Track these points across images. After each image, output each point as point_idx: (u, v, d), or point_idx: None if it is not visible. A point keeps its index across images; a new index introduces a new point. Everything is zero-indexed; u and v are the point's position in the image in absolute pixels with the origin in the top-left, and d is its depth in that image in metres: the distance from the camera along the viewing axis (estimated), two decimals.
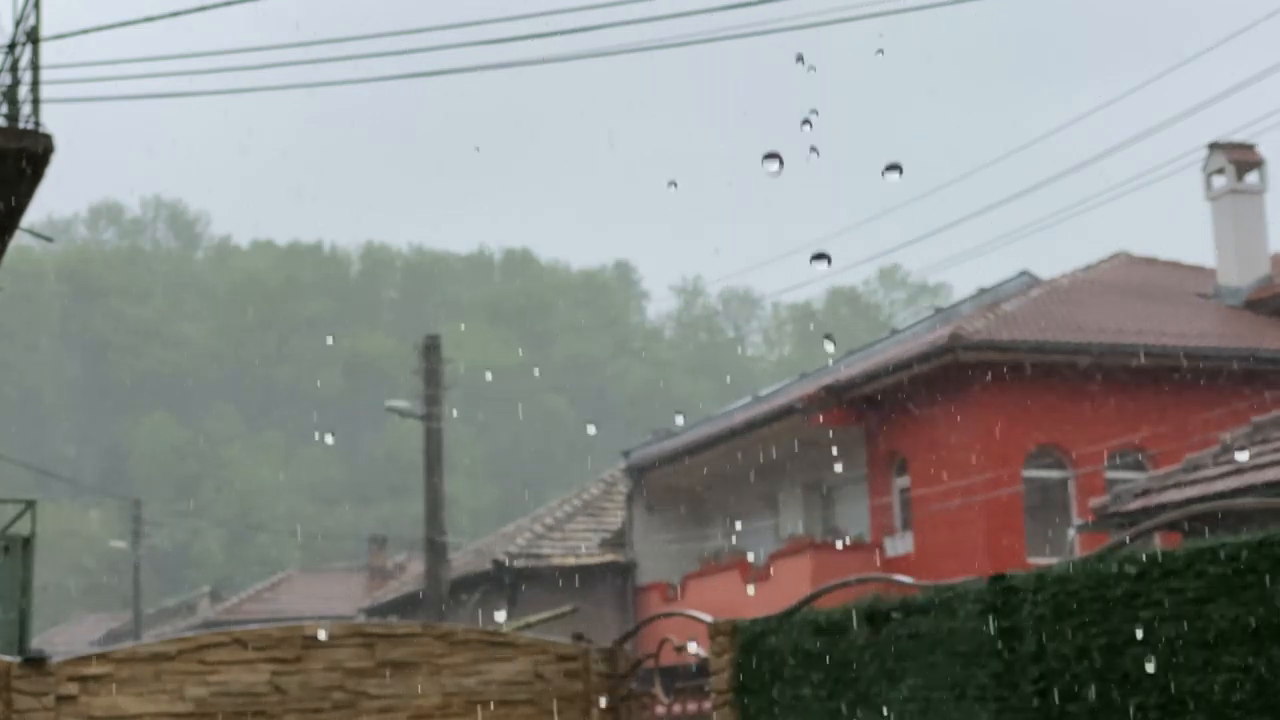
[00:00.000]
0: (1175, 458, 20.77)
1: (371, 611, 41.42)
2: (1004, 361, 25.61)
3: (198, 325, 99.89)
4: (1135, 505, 18.55)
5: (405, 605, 37.70)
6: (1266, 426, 18.90)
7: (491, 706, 11.72)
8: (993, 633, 8.83)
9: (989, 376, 25.49)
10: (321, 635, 11.30)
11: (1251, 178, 29.50)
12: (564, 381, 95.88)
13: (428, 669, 11.59)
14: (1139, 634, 7.93)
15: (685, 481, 33.63)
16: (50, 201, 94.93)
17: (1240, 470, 17.45)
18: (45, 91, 14.01)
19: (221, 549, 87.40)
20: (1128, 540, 8.57)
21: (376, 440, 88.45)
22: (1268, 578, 7.33)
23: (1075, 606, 8.33)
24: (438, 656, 11.66)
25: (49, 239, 37.01)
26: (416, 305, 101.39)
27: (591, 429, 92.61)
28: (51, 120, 13.78)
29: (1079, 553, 22.89)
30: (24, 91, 13.96)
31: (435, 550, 30.34)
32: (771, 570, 28.84)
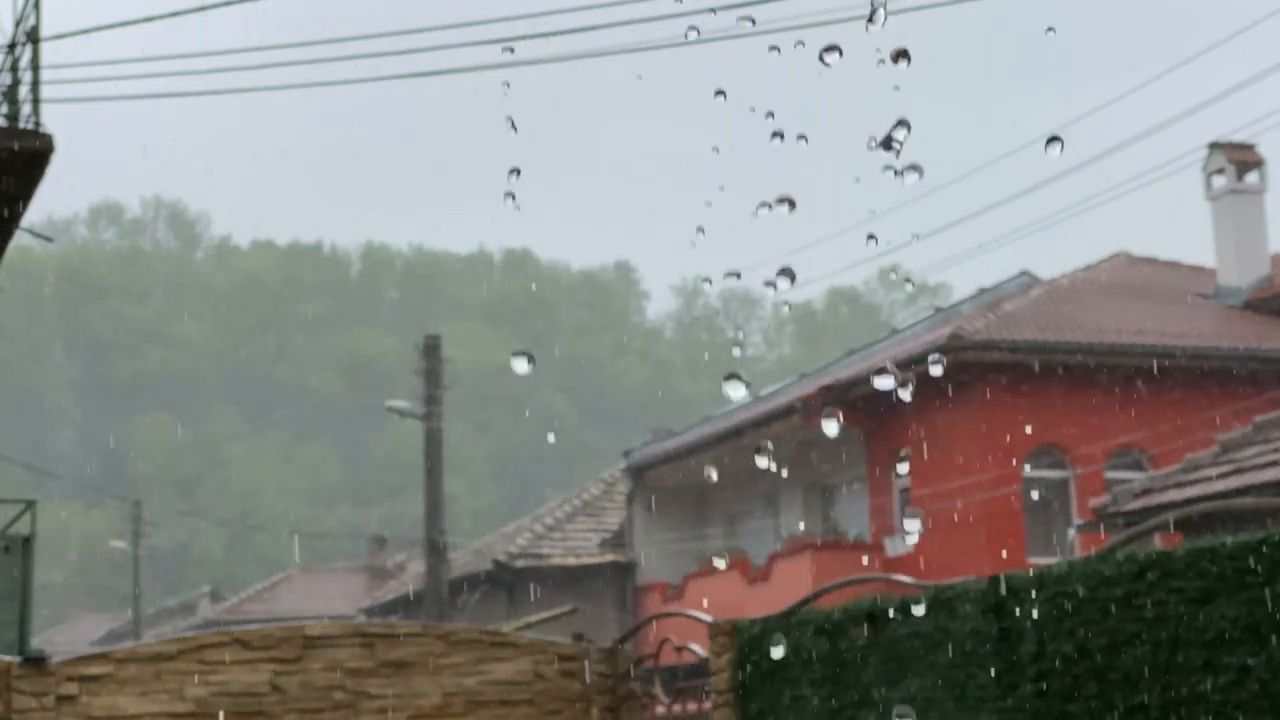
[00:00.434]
0: (1175, 458, 20.76)
1: (371, 611, 41.42)
2: (1004, 361, 25.61)
3: (198, 325, 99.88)
4: (1135, 505, 18.54)
5: (405, 605, 37.70)
6: (1266, 426, 18.90)
7: (491, 706, 11.72)
8: (993, 633, 8.83)
9: (989, 376, 25.49)
10: (320, 624, 11.31)
11: (1251, 178, 29.50)
12: (564, 381, 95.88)
13: (428, 669, 11.59)
14: (1139, 634, 7.93)
15: (685, 481, 33.62)
16: (50, 201, 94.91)
17: (1240, 470, 17.44)
18: (45, 91, 14.02)
19: (221, 549, 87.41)
20: (1128, 540, 8.57)
21: (376, 440, 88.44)
22: (1268, 578, 7.33)
23: (1075, 606, 8.33)
24: (438, 656, 11.66)
25: (49, 239, 37.01)
26: (416, 305, 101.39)
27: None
28: (51, 120, 13.80)
29: (1079, 553, 22.88)
30: (24, 91, 13.97)
31: (435, 550, 30.34)
32: (771, 570, 28.85)
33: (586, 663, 12.10)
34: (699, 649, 11.66)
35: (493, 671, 11.79)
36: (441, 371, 31.10)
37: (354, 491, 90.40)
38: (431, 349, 31.27)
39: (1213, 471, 18.07)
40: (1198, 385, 25.67)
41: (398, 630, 11.83)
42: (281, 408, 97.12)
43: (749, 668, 10.95)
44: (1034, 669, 8.55)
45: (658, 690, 12.86)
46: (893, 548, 27.88)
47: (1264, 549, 7.38)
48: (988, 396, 25.54)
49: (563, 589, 31.51)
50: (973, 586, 9.09)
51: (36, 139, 13.68)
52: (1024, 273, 31.94)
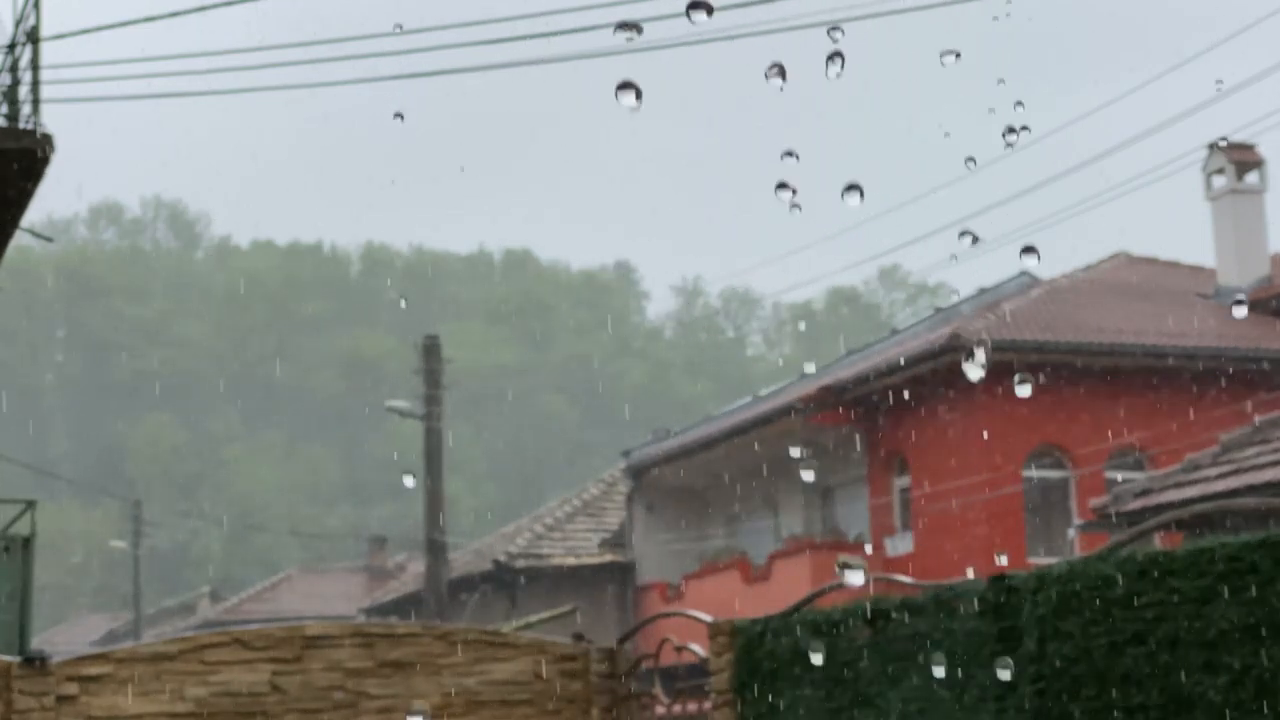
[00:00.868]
0: (1175, 458, 20.76)
1: (371, 611, 41.42)
2: (1004, 361, 25.61)
3: (198, 325, 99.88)
4: (1135, 505, 18.54)
5: (405, 605, 37.71)
6: (1267, 426, 18.90)
7: (491, 706, 11.72)
8: (993, 633, 8.83)
9: (989, 376, 25.44)
10: (320, 624, 11.31)
11: (1251, 178, 29.50)
12: (564, 381, 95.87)
13: (428, 669, 11.59)
14: (1139, 634, 7.93)
15: (685, 481, 33.63)
16: (50, 201, 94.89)
17: (1240, 470, 17.45)
18: (45, 91, 14.02)
19: (221, 549, 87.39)
20: (1128, 540, 8.57)
21: (376, 440, 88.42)
22: (1268, 578, 7.33)
23: (1075, 606, 8.33)
24: (438, 656, 11.66)
25: (49, 239, 37.03)
26: (416, 305, 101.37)
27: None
28: (51, 120, 13.78)
29: (1079, 553, 22.89)
30: (24, 91, 13.96)
31: (435, 550, 30.34)
32: (771, 570, 28.86)
33: (586, 663, 12.10)
34: (699, 649, 11.66)
35: (493, 671, 11.79)
36: (441, 371, 31.11)
37: (354, 491, 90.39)
38: (431, 349, 31.28)
39: (1213, 471, 18.07)
40: (1198, 385, 25.67)
41: (398, 630, 11.83)
42: (281, 408, 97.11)
43: (749, 668, 10.95)
44: (1034, 669, 8.55)
45: (658, 690, 12.87)
46: (892, 547, 27.89)
47: (1264, 549, 7.38)
48: (988, 396, 25.54)
49: (563, 589, 31.52)
50: (973, 586, 9.09)
51: (36, 139, 13.68)
52: (1024, 273, 31.94)
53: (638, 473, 34.52)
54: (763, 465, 29.86)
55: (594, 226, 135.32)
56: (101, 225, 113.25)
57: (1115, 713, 8.03)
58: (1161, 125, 31.76)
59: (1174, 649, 7.75)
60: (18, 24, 14.05)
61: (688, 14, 4.13)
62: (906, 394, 26.70)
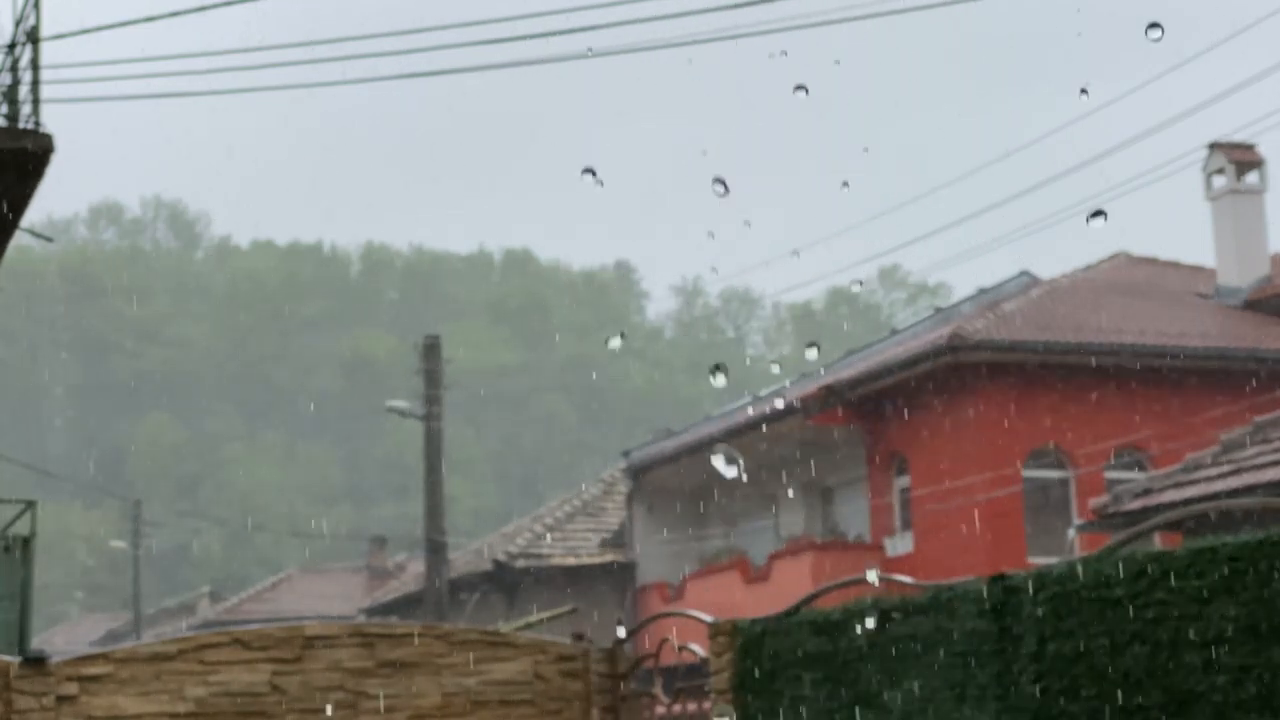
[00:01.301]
0: (1175, 458, 20.77)
1: (371, 611, 41.41)
2: (1004, 361, 25.61)
3: (198, 325, 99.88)
4: (1135, 505, 18.55)
5: (405, 605, 37.70)
6: (1267, 426, 18.90)
7: (491, 706, 11.72)
8: (993, 633, 8.83)
9: (989, 376, 25.48)
10: (320, 624, 11.30)
11: (1251, 178, 29.50)
12: (564, 381, 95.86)
13: (428, 669, 11.59)
14: (1139, 634, 7.93)
15: (685, 481, 33.62)
16: (50, 201, 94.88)
17: (1240, 470, 17.45)
18: (45, 91, 14.02)
19: (221, 549, 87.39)
20: (1128, 540, 8.57)
21: (376, 440, 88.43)
22: (1268, 578, 7.33)
23: (1075, 606, 8.33)
24: (438, 656, 11.66)
25: (49, 239, 37.01)
26: (416, 305, 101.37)
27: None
28: (51, 120, 13.78)
29: (1079, 553, 22.89)
30: (24, 91, 13.96)
31: (435, 550, 30.34)
32: (771, 570, 28.85)
33: (587, 663, 12.09)
34: (699, 649, 11.67)
35: (493, 671, 11.79)
36: (441, 371, 31.11)
37: (354, 491, 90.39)
38: (431, 349, 31.28)
39: (1213, 471, 18.08)
40: (1198, 385, 25.67)
41: (398, 630, 11.82)
42: (281, 408, 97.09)
43: (749, 668, 10.95)
44: (1034, 669, 8.55)
45: (658, 690, 12.87)
46: (892, 547, 27.89)
47: (1264, 549, 7.38)
48: (988, 397, 25.54)
49: (563, 589, 31.51)
50: (973, 586, 9.09)
51: (36, 139, 13.68)
52: (1024, 273, 31.95)
53: (638, 473, 34.51)
54: (762, 465, 29.86)
55: (594, 226, 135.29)
56: (101, 225, 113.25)
57: (1115, 713, 8.03)
58: (1161, 125, 31.79)
59: (1174, 649, 7.75)
60: (18, 24, 14.05)
61: None
62: (906, 394, 26.70)
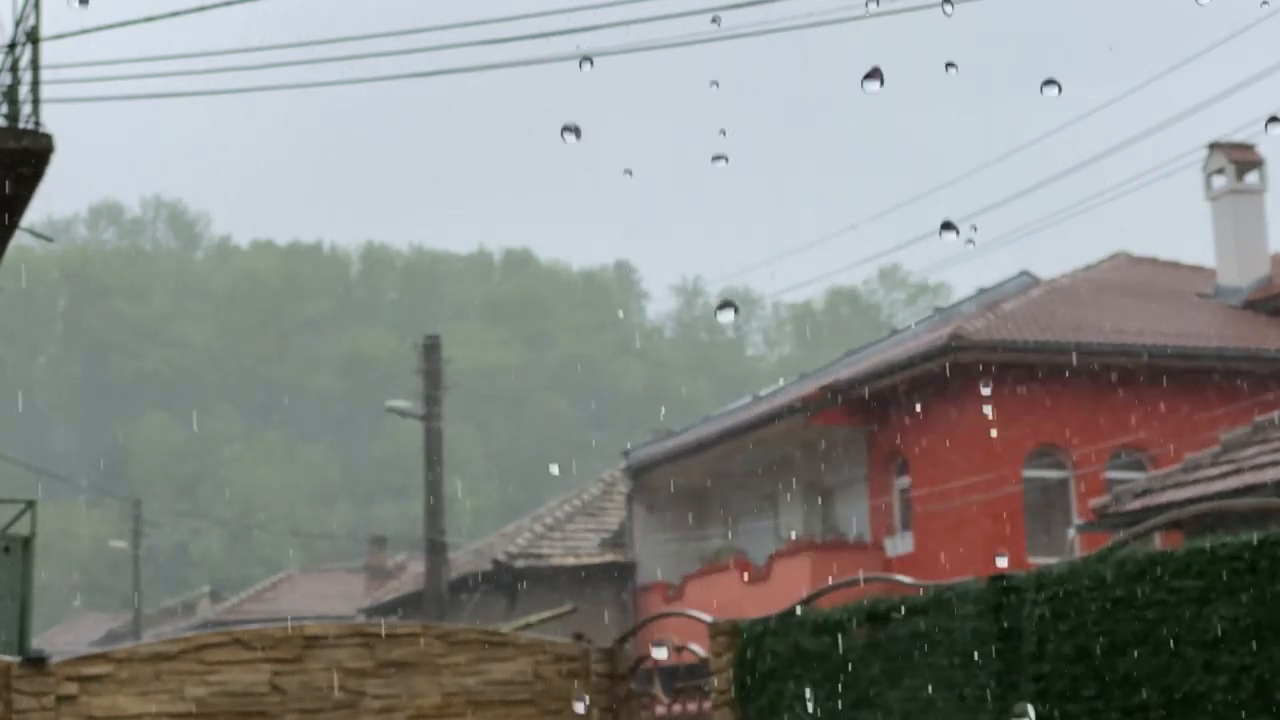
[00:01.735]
0: (1175, 458, 20.76)
1: (371, 611, 41.40)
2: (1004, 361, 25.60)
3: (198, 325, 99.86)
4: (1135, 505, 18.54)
5: (405, 605, 37.70)
6: (1266, 426, 18.89)
7: (491, 706, 11.72)
8: (993, 633, 8.83)
9: (989, 376, 25.48)
10: (320, 624, 11.31)
11: (1251, 178, 29.50)
12: (564, 381, 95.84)
13: (428, 669, 11.59)
14: (1139, 634, 7.93)
15: (685, 481, 33.62)
16: (50, 201, 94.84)
17: (1240, 470, 17.44)
18: (45, 91, 14.01)
19: (221, 549, 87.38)
20: (1128, 540, 8.57)
21: (376, 440, 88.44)
22: (1268, 578, 7.33)
23: (1075, 606, 8.33)
24: (438, 656, 11.66)
25: (49, 239, 37.03)
26: (416, 305, 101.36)
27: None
28: (51, 120, 13.77)
29: (1079, 553, 22.89)
30: (24, 91, 13.96)
31: (435, 550, 30.34)
32: (771, 570, 28.85)
33: (587, 663, 12.09)
34: (699, 649, 11.66)
35: (493, 671, 11.79)
36: (441, 371, 31.10)
37: (354, 491, 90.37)
38: (431, 349, 31.28)
39: (1213, 471, 18.07)
40: (1198, 385, 25.67)
41: (398, 630, 11.83)
42: (281, 408, 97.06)
43: (749, 668, 10.95)
44: (1034, 669, 8.55)
45: (658, 690, 12.86)
46: (892, 547, 27.89)
47: (1264, 549, 7.38)
48: (988, 397, 25.54)
49: (563, 589, 31.50)
50: (973, 586, 9.10)
51: (36, 139, 13.67)
52: (1024, 273, 31.95)
53: (638, 473, 34.51)
54: (762, 465, 29.87)
55: (594, 226, 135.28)
56: (101, 225, 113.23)
57: (1115, 713, 8.03)
58: (1161, 125, 31.81)
59: (1174, 649, 7.75)
60: (18, 24, 14.05)
61: None
62: (906, 394, 26.70)
